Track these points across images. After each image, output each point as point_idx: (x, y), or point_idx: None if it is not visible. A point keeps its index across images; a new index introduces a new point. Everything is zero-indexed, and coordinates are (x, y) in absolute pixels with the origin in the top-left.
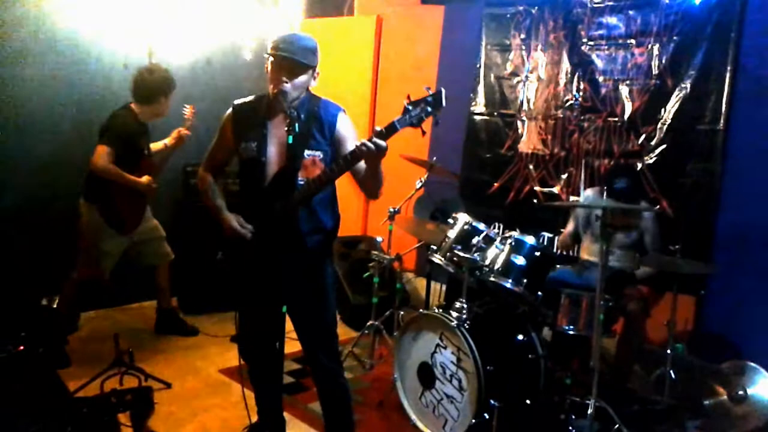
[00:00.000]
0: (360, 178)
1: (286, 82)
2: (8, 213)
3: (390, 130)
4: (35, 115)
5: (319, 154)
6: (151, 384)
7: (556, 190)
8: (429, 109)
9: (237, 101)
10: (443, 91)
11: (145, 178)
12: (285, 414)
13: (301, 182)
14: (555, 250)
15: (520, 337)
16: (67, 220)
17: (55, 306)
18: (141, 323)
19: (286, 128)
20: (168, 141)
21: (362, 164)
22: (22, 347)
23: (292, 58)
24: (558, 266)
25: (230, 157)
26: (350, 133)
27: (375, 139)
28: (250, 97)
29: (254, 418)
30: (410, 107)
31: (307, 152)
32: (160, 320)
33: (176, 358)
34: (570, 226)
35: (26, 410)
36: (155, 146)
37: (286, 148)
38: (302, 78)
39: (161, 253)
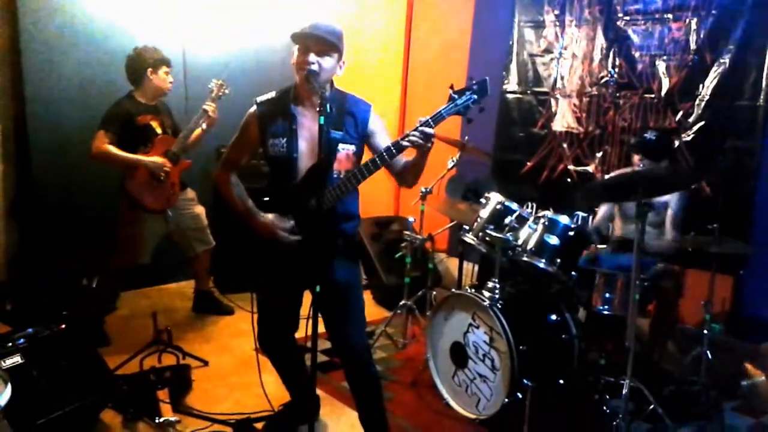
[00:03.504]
0: (398, 171)
1: (314, 63)
2: (49, 196)
3: (437, 119)
4: (71, 102)
5: (352, 148)
6: (189, 362)
7: (590, 168)
8: (475, 97)
9: (260, 98)
10: (488, 79)
11: (155, 158)
12: (319, 391)
13: (335, 176)
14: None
15: (553, 317)
16: (107, 205)
17: (93, 286)
18: (179, 302)
19: (318, 109)
20: (203, 126)
21: (398, 158)
22: (63, 326)
23: (321, 36)
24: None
25: (251, 157)
26: (382, 127)
27: (422, 128)
28: (272, 93)
29: (275, 405)
30: (456, 96)
31: (341, 146)
32: (198, 300)
33: (213, 337)
34: (603, 209)
35: (68, 387)
36: (197, 132)
37: (317, 141)
38: (329, 60)
39: (203, 241)
